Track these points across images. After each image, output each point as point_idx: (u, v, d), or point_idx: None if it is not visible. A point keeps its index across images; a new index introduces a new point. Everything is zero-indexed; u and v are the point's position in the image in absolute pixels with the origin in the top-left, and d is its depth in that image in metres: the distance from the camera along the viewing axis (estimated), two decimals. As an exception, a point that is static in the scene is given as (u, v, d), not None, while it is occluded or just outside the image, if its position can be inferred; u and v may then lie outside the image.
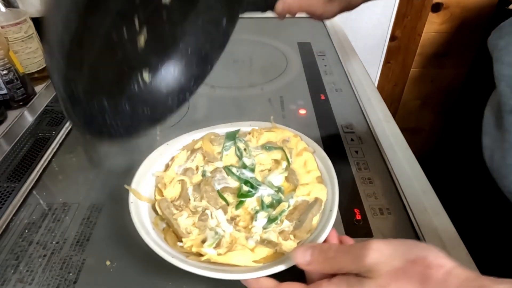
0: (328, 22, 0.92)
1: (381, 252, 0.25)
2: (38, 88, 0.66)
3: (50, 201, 0.44)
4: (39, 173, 0.48)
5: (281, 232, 0.37)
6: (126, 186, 0.40)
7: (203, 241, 0.36)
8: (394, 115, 0.59)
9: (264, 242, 0.36)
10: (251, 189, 0.41)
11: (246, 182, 0.41)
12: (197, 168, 0.44)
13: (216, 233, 0.37)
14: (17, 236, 0.40)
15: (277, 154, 0.45)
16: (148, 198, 0.40)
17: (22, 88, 0.60)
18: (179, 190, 0.41)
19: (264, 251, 0.35)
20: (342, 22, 0.94)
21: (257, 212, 0.39)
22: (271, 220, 0.38)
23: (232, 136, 0.47)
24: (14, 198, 0.44)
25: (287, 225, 0.38)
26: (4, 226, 0.41)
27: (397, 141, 0.53)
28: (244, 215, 0.39)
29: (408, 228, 0.41)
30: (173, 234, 0.38)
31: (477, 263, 0.37)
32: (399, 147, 0.52)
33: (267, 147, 0.45)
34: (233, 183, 0.42)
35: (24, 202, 0.44)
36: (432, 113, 1.32)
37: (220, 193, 0.41)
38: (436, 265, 0.23)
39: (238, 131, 0.48)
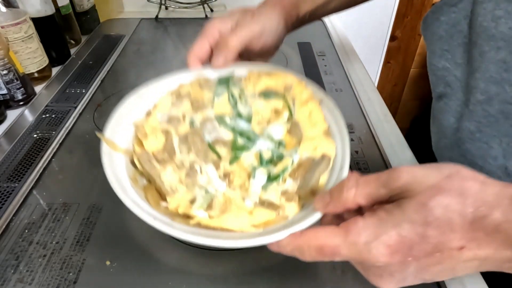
0: (328, 22, 0.92)
1: (413, 173, 0.24)
2: (38, 88, 0.66)
3: (50, 201, 0.44)
4: (39, 173, 0.48)
5: (284, 193, 0.32)
6: (98, 134, 0.33)
7: (192, 202, 0.31)
8: (394, 115, 0.59)
9: (264, 204, 0.31)
10: (247, 142, 0.35)
11: (242, 133, 0.36)
12: (183, 117, 0.38)
13: (207, 192, 0.32)
14: (17, 236, 0.40)
15: (278, 103, 0.39)
16: (125, 149, 0.34)
17: (22, 88, 0.60)
18: (163, 141, 0.35)
19: (264, 214, 0.30)
20: (342, 22, 0.94)
21: (255, 168, 0.33)
22: (271, 178, 0.33)
23: (225, 81, 0.40)
24: (14, 198, 0.44)
25: (290, 184, 0.32)
26: (4, 226, 0.41)
27: (397, 141, 0.53)
28: (239, 172, 0.33)
29: (408, 228, 0.40)
30: (155, 192, 0.32)
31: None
32: (399, 147, 0.52)
33: (266, 94, 0.39)
34: (226, 135, 0.36)
35: (24, 202, 0.44)
36: (432, 113, 1.32)
37: (211, 146, 0.35)
38: (472, 177, 0.23)
39: (232, 75, 0.40)
